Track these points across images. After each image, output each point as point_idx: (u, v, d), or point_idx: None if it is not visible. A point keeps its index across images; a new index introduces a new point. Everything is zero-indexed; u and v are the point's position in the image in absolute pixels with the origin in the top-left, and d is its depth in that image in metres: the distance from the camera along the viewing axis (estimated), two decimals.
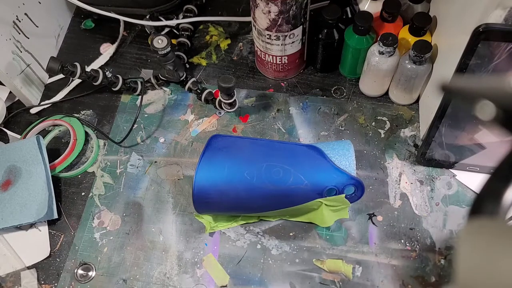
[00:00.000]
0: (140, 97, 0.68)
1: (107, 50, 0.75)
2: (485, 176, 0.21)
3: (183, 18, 0.74)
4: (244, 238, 0.58)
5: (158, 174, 0.63)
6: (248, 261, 0.56)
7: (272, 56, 0.65)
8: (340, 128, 0.65)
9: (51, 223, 0.60)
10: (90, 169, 0.64)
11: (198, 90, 0.68)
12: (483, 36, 0.42)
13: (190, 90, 0.69)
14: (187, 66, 0.72)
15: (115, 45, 0.75)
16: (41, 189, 0.59)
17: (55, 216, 0.59)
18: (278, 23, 0.58)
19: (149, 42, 0.65)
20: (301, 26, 0.61)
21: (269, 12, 0.57)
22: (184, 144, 0.66)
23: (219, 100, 0.65)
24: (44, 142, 0.64)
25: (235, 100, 0.64)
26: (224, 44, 0.75)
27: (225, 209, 0.55)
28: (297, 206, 0.53)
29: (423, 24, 0.58)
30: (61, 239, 0.59)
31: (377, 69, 0.60)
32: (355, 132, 0.64)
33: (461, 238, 0.21)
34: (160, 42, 0.63)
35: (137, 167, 0.64)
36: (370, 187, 0.60)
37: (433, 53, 0.57)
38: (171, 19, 0.73)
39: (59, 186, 0.63)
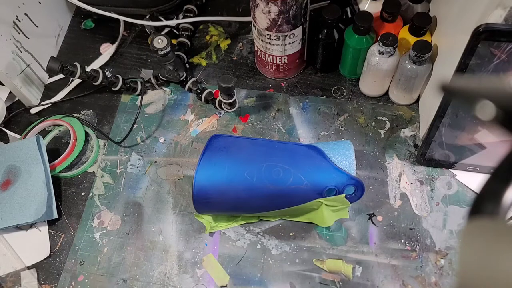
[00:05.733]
0: (140, 97, 0.68)
1: (107, 50, 0.75)
2: (485, 176, 0.21)
3: (183, 18, 0.74)
4: (244, 238, 0.58)
5: (158, 174, 0.63)
6: (248, 261, 0.56)
7: (272, 56, 0.65)
8: (340, 128, 0.65)
9: (51, 223, 0.60)
10: (90, 169, 0.64)
11: (198, 90, 0.68)
12: (483, 36, 0.42)
13: (190, 90, 0.69)
14: (187, 66, 0.72)
15: (115, 45, 0.75)
16: (41, 189, 0.59)
17: (55, 216, 0.59)
18: (278, 23, 0.58)
19: (149, 42, 0.65)
20: (301, 26, 0.60)
21: (269, 12, 0.57)
22: (184, 144, 0.65)
23: (219, 100, 0.65)
24: (44, 142, 0.64)
25: (235, 100, 0.64)
26: (224, 44, 0.75)
27: (225, 209, 0.55)
28: (297, 206, 0.53)
29: (423, 24, 0.58)
30: (61, 239, 0.59)
31: (377, 69, 0.60)
32: (355, 132, 0.64)
33: (461, 238, 0.21)
34: (160, 42, 0.63)
35: (137, 167, 0.64)
36: (370, 187, 0.60)
37: (433, 53, 0.57)
38: (171, 19, 0.73)
39: (59, 186, 0.63)
